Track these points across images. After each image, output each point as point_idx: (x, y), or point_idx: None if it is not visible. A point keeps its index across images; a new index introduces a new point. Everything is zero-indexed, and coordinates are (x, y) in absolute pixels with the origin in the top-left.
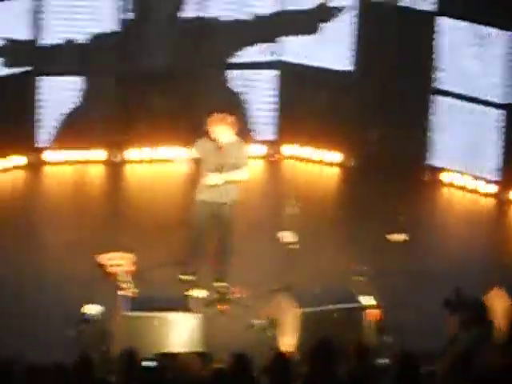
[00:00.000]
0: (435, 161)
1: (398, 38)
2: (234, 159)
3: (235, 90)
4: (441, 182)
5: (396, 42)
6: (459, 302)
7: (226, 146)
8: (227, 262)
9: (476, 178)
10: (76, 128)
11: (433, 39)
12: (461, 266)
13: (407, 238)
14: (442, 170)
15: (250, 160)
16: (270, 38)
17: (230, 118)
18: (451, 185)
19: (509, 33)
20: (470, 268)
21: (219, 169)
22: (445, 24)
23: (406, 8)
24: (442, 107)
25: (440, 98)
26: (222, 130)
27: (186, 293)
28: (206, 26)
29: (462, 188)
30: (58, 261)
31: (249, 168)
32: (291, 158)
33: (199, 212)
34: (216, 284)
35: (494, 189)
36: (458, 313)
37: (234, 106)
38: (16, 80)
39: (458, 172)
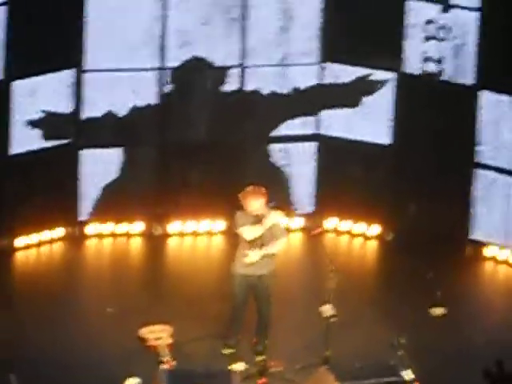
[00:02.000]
0: (476, 235)
1: (438, 111)
2: (271, 231)
3: (275, 162)
4: (482, 256)
5: (436, 115)
6: (500, 373)
7: (262, 219)
8: (266, 336)
9: None
10: (117, 200)
11: (473, 112)
12: (502, 342)
13: (445, 312)
14: (483, 244)
15: (289, 232)
16: (310, 112)
17: (263, 190)
18: (493, 259)
19: None
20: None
21: (257, 242)
22: (485, 97)
23: (447, 81)
24: (482, 181)
25: (481, 172)
26: (256, 203)
27: (225, 366)
28: (246, 100)
29: (505, 262)
30: (99, 334)
31: (286, 239)
32: (330, 231)
33: (238, 285)
34: (256, 358)
35: None
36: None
37: (273, 178)
38: (58, 152)
39: (499, 246)
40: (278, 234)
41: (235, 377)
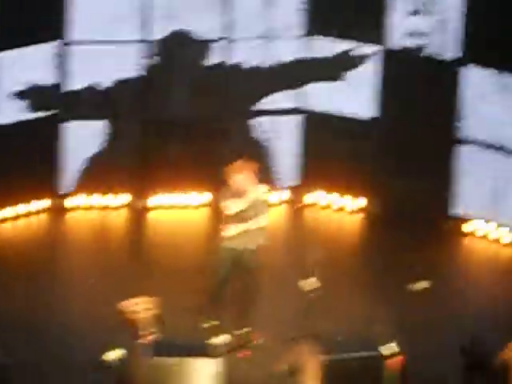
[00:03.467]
0: (458, 209)
1: (421, 85)
2: (254, 206)
3: (258, 136)
4: (464, 230)
5: (419, 90)
6: (472, 349)
7: (247, 194)
8: (250, 309)
9: (500, 226)
10: (98, 173)
11: (456, 87)
12: (482, 314)
13: (427, 286)
14: (465, 218)
15: (274, 207)
16: (293, 85)
17: (250, 165)
18: (473, 234)
19: None
20: (491, 317)
21: (240, 217)
22: (469, 72)
23: (430, 56)
24: (465, 155)
25: (464, 147)
26: (243, 178)
27: (207, 339)
28: (229, 73)
29: (485, 237)
30: (80, 307)
31: (268, 215)
32: (314, 204)
33: (222, 258)
34: (238, 330)
35: None
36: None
37: (257, 152)
38: (40, 124)
39: (481, 220)
40: (260, 210)
41: (216, 348)
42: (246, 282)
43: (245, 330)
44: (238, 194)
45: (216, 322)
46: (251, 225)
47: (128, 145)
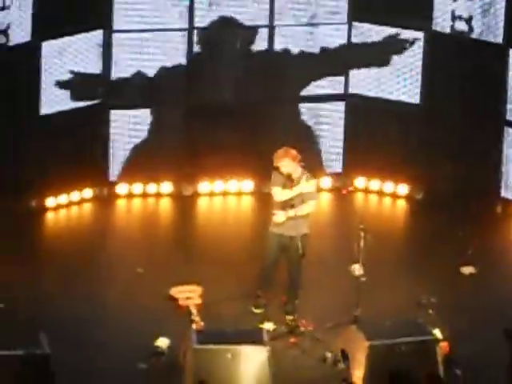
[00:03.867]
0: (507, 193)
1: (469, 69)
2: (301, 195)
3: (304, 123)
4: None
5: (467, 74)
6: None
7: (295, 180)
8: (296, 296)
9: None
10: (146, 161)
11: (504, 70)
12: None
13: (475, 271)
14: None
15: (320, 193)
16: (339, 71)
17: (294, 151)
18: None
19: None
20: None
21: (288, 203)
22: None
23: (477, 40)
24: None
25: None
26: (288, 164)
27: (256, 326)
28: (274, 60)
29: None
30: (129, 294)
31: (317, 202)
32: (360, 190)
33: (270, 245)
34: (286, 317)
35: None
36: None
37: (303, 139)
38: (87, 113)
39: None
40: (307, 197)
41: (265, 336)
42: (293, 269)
43: (291, 317)
44: (286, 182)
45: (263, 309)
46: (297, 212)
47: (175, 132)
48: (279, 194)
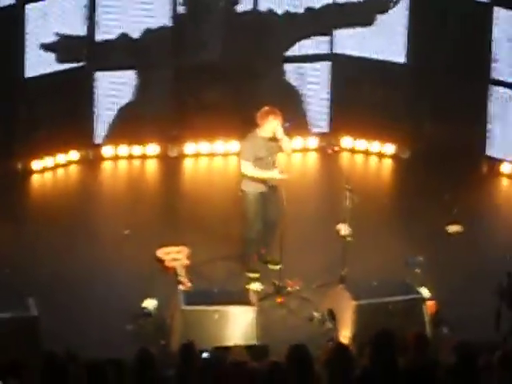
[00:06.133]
0: (492, 152)
1: (453, 29)
2: (273, 153)
3: (290, 83)
4: (498, 172)
5: (451, 33)
6: (510, 286)
7: (276, 139)
8: (271, 244)
9: None
10: (132, 123)
11: (489, 30)
12: None
13: (461, 230)
14: (499, 160)
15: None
16: (324, 31)
17: (277, 110)
18: (509, 175)
19: None
20: None
21: (269, 162)
22: (501, 14)
23: None
24: (498, 97)
25: (496, 88)
26: (271, 123)
27: (243, 286)
28: (260, 20)
29: None
30: (116, 255)
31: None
32: (345, 150)
33: (253, 207)
34: (270, 267)
35: None
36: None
37: (288, 99)
38: (72, 75)
39: None
40: (277, 157)
41: (252, 296)
42: (273, 217)
43: (274, 266)
44: (265, 140)
45: (258, 274)
46: (268, 172)
47: (160, 93)
48: (250, 170)
